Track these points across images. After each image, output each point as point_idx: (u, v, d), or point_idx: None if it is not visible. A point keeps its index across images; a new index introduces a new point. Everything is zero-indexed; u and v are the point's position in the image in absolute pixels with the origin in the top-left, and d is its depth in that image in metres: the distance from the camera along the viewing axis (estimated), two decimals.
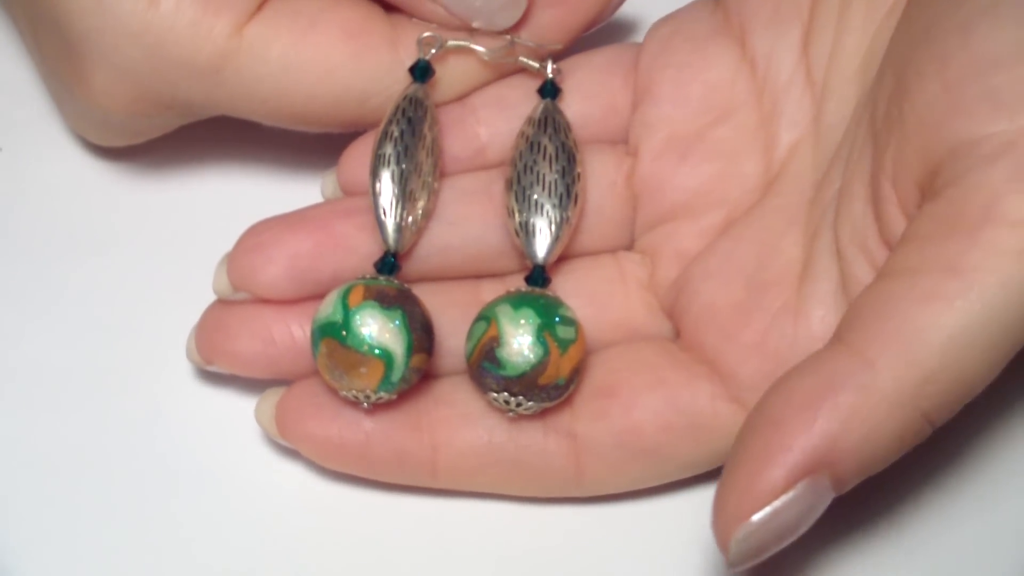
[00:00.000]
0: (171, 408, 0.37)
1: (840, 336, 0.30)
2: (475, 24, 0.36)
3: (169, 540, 0.35)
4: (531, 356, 0.34)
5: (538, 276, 0.36)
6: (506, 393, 0.34)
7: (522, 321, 0.34)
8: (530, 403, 0.34)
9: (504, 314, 0.34)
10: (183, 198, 0.40)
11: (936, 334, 0.29)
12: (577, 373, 0.34)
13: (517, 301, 0.34)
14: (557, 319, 0.34)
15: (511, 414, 0.34)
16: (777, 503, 0.29)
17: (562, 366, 0.34)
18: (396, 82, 0.36)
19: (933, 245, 0.29)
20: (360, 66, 0.36)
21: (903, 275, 0.30)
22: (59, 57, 0.36)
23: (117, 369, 0.37)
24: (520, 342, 0.34)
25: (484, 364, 0.34)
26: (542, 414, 0.35)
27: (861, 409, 0.29)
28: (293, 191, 0.39)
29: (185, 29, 0.35)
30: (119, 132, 0.38)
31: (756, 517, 0.29)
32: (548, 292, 0.35)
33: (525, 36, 0.37)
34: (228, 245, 0.36)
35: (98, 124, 0.38)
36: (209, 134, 0.39)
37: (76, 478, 0.36)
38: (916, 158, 0.31)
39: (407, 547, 0.35)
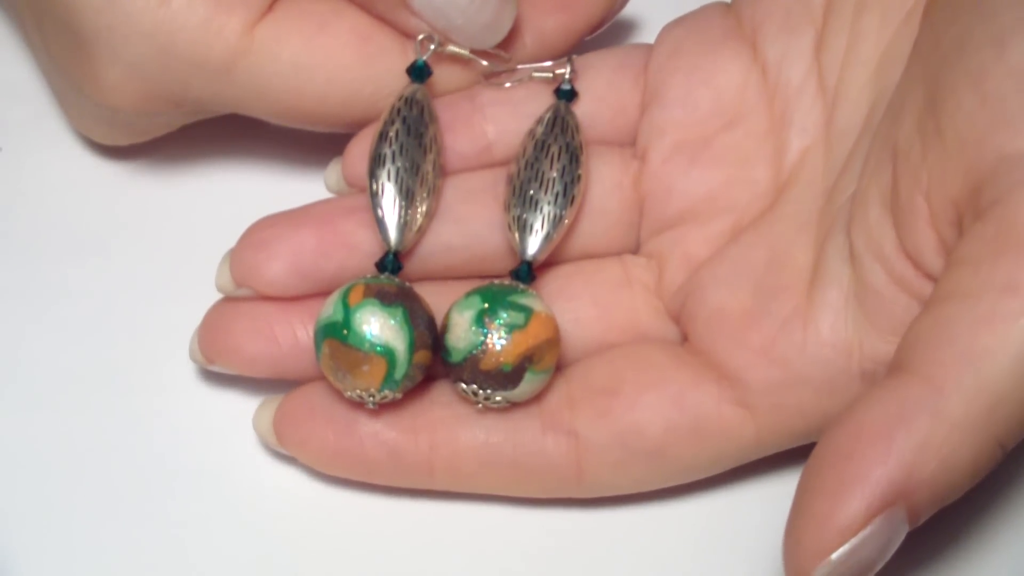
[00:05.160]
0: (172, 408, 0.37)
1: (901, 365, 0.29)
2: (459, 41, 0.36)
3: (168, 542, 0.35)
4: (467, 340, 0.33)
5: (524, 272, 0.35)
6: (464, 383, 0.34)
7: (466, 308, 0.34)
8: (487, 391, 0.34)
9: (456, 303, 0.34)
10: (183, 197, 0.40)
11: (1003, 355, 0.28)
12: (529, 362, 0.34)
13: (473, 291, 0.34)
14: (505, 304, 0.34)
15: (479, 406, 0.34)
16: (855, 539, 0.28)
17: (505, 351, 0.33)
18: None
19: (986, 266, 0.29)
20: (370, 68, 0.36)
21: (959, 298, 0.29)
22: (68, 55, 0.36)
23: (118, 369, 0.37)
24: (461, 328, 0.34)
25: (441, 354, 0.34)
26: (531, 410, 0.34)
27: (935, 437, 0.28)
28: (295, 188, 0.39)
29: (196, 27, 0.35)
30: (125, 130, 0.38)
31: (836, 555, 0.28)
32: (519, 285, 0.35)
33: (530, 43, 0.37)
34: (229, 244, 0.36)
35: (104, 122, 0.38)
36: (209, 132, 0.39)
37: (76, 478, 0.36)
38: (957, 174, 0.30)
39: (406, 550, 0.35)
